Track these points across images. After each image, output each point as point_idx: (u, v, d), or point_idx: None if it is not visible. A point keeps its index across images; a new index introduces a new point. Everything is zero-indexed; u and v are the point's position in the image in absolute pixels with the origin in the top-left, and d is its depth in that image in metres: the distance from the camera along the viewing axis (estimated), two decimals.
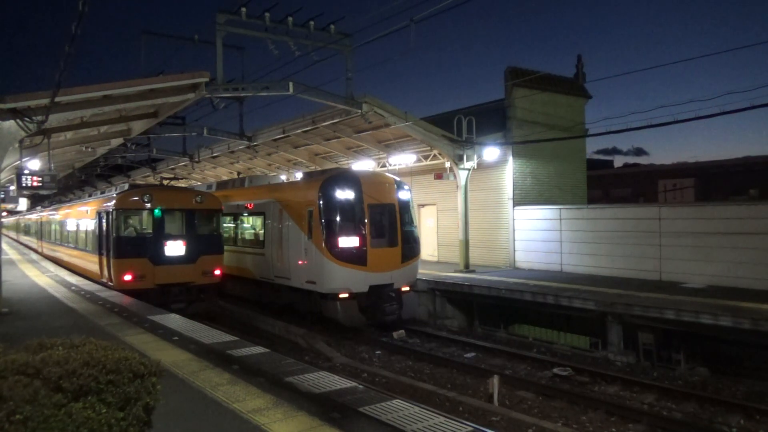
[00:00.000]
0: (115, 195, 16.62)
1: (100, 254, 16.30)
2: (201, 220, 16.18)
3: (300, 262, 15.08)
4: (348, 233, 14.40)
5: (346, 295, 14.24)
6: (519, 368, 12.23)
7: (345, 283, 14.22)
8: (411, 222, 15.80)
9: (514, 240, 19.55)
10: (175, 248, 15.39)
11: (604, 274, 16.76)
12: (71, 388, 3.30)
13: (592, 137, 20.25)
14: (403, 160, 20.75)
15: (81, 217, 19.64)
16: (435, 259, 22.51)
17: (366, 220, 14.58)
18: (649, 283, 14.96)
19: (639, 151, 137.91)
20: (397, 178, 16.09)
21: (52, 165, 15.14)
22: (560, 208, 18.51)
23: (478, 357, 13.21)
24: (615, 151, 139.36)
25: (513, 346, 14.09)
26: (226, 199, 18.72)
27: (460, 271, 18.43)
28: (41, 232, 31.31)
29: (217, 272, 16.14)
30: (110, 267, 15.37)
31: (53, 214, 26.99)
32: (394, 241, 15.06)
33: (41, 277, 18.49)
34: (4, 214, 39.11)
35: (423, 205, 22.84)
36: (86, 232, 18.57)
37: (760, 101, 10.64)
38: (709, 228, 14.64)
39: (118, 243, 15.14)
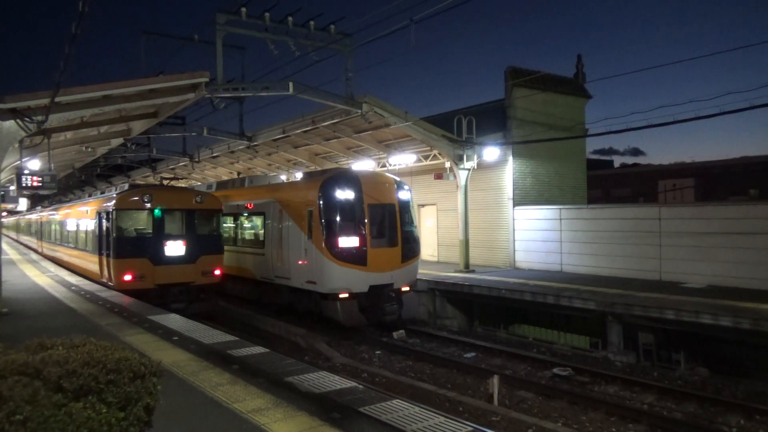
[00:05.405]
0: (115, 195, 16.62)
1: (100, 254, 16.29)
2: (201, 220, 16.17)
3: (300, 262, 15.08)
4: (348, 233, 14.39)
5: (346, 295, 14.24)
6: (519, 368, 12.23)
7: (345, 283, 14.22)
8: (411, 222, 15.79)
9: (514, 240, 19.56)
10: (175, 248, 15.39)
11: (604, 274, 16.76)
12: (71, 388, 3.29)
13: (591, 137, 20.24)
14: (403, 160, 20.75)
15: (81, 217, 19.63)
16: (435, 259, 22.52)
17: (366, 220, 14.58)
18: (649, 283, 14.96)
19: (636, 152, 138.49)
20: (397, 178, 16.09)
21: (52, 165, 15.14)
22: (560, 208, 18.52)
23: (478, 357, 13.21)
24: (612, 151, 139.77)
25: (513, 346, 14.08)
26: (226, 199, 18.72)
27: (460, 271, 18.44)
28: (41, 232, 31.30)
29: (217, 272, 16.13)
30: (110, 267, 15.37)
31: (53, 214, 26.98)
32: (394, 241, 15.06)
33: (41, 277, 18.49)
34: (4, 214, 39.10)
35: (423, 205, 22.84)
36: (86, 232, 18.56)
37: (760, 101, 10.64)
38: (709, 228, 14.64)
39: (118, 243, 15.13)
